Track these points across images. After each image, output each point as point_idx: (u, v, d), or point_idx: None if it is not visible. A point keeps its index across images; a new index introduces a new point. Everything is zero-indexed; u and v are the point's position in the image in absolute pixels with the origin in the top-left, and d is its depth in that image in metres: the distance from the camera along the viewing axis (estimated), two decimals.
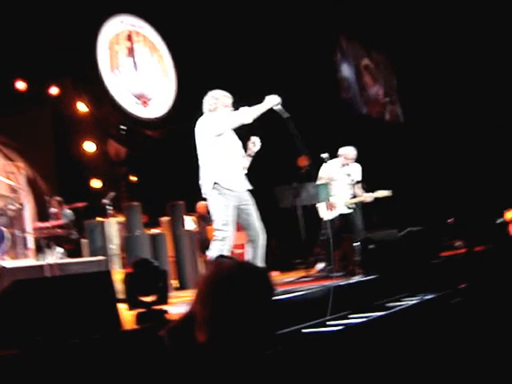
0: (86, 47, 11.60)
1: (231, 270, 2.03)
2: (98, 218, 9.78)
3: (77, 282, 4.51)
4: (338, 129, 12.54)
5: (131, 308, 5.17)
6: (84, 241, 9.95)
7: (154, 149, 11.92)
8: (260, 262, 6.46)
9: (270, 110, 6.56)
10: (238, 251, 9.02)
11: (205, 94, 6.71)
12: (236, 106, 6.61)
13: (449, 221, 10.76)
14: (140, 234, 9.16)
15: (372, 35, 14.82)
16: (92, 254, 9.55)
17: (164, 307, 4.71)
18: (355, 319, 5.50)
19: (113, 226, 9.54)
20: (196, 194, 8.50)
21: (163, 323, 4.39)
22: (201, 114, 6.67)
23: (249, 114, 6.44)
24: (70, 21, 10.88)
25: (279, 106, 6.57)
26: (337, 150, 9.06)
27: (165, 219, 10.23)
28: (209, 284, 2.04)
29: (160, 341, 2.17)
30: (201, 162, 6.56)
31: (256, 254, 6.50)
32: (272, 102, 6.56)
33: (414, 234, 8.09)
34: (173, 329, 2.22)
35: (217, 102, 6.56)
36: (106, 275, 4.76)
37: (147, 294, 4.77)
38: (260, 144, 6.66)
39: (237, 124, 6.46)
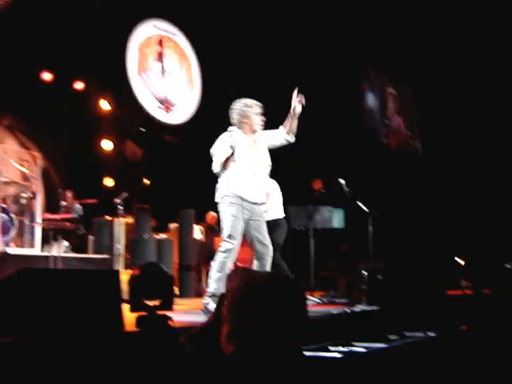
0: (116, 46, 11.63)
1: (263, 280, 1.98)
2: (107, 217, 9.78)
3: (83, 278, 4.48)
4: (358, 156, 12.51)
5: (133, 310, 5.14)
6: (90, 237, 9.96)
7: (171, 154, 11.91)
8: None
9: None
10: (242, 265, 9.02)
11: (226, 106, 6.72)
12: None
13: (458, 259, 10.67)
14: (148, 238, 9.15)
15: (398, 69, 14.84)
16: (97, 252, 9.55)
17: (168, 313, 4.66)
18: (356, 347, 5.45)
19: (121, 227, 9.53)
20: (207, 204, 8.52)
21: (165, 329, 4.36)
22: (222, 124, 6.70)
23: (217, 167, 6.46)
24: (104, 19, 10.93)
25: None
26: (355, 176, 9.03)
27: (173, 225, 10.24)
28: (240, 295, 1.98)
29: (180, 348, 2.12)
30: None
31: (263, 270, 6.48)
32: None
33: (422, 269, 8.05)
34: (195, 337, 2.17)
35: (250, 109, 6.57)
36: (115, 274, 4.72)
37: (152, 298, 4.73)
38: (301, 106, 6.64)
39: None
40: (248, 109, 6.59)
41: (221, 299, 2.14)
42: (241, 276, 2.00)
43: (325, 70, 12.80)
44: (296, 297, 2.00)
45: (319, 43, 12.89)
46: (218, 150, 6.46)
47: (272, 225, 7.80)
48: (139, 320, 4.58)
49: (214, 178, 6.75)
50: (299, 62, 12.65)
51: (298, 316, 1.97)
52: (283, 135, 6.72)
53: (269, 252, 6.51)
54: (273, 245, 6.60)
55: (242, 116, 6.60)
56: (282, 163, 6.82)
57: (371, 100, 15.57)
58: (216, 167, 6.43)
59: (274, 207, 8.30)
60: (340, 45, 12.95)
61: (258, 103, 6.66)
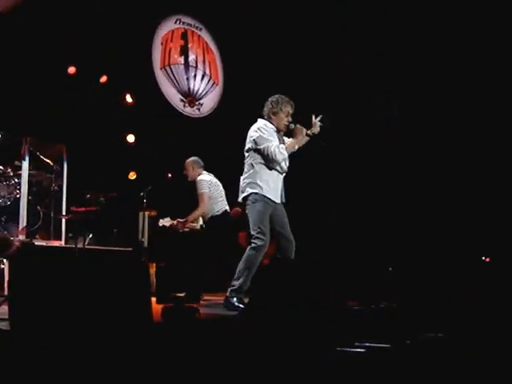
0: (140, 40, 11.68)
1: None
2: (132, 210, 9.83)
3: (112, 268, 4.51)
4: None
5: (160, 302, 5.19)
6: (115, 230, 10.03)
7: (194, 148, 11.94)
8: None
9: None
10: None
11: (249, 101, 6.77)
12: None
13: (485, 258, 10.61)
14: (172, 231, 9.19)
15: None
16: (121, 244, 9.62)
17: (195, 305, 4.71)
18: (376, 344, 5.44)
19: (145, 220, 9.58)
20: (228, 198, 8.55)
21: (192, 321, 4.40)
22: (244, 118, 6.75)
23: (285, 153, 6.49)
24: (128, 13, 10.99)
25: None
26: None
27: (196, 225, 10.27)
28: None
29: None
30: (246, 166, 6.63)
31: None
32: (302, 133, 6.61)
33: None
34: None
35: (281, 107, 6.61)
36: (143, 265, 4.76)
37: (179, 291, 4.79)
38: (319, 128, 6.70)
39: (271, 157, 6.48)
40: (279, 106, 6.64)
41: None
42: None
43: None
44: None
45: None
46: (269, 137, 6.53)
47: None
48: (165, 311, 4.63)
49: (236, 172, 6.81)
50: (324, 56, 12.61)
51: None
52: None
53: (292, 247, 6.57)
54: None
55: (272, 111, 6.65)
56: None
57: None
58: (283, 153, 6.47)
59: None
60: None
61: (291, 102, 6.70)
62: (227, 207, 8.24)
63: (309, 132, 6.66)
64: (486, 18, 11.29)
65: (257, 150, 6.53)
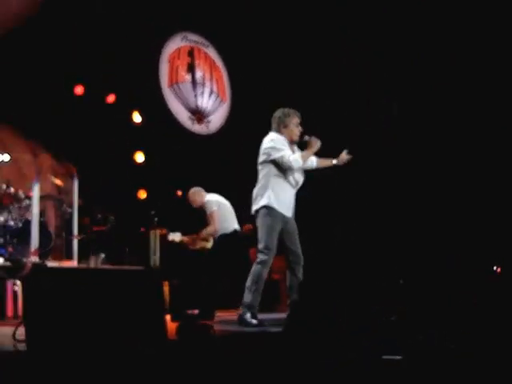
0: (147, 58, 11.75)
1: None
2: (142, 229, 9.86)
3: (124, 287, 4.52)
4: None
5: (174, 319, 5.19)
6: (126, 249, 10.04)
7: (203, 165, 11.96)
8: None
9: None
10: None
11: (257, 117, 6.83)
12: None
13: (496, 268, 10.56)
14: (184, 249, 9.20)
15: None
16: (133, 263, 9.62)
17: (209, 322, 4.71)
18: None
19: (156, 238, 9.60)
20: (238, 215, 8.59)
21: (207, 338, 4.40)
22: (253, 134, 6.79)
23: (301, 161, 6.54)
24: (134, 32, 11.05)
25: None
26: None
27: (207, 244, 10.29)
28: None
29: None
30: (259, 179, 6.67)
31: (296, 280, 6.56)
32: (316, 146, 6.65)
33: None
34: None
35: (289, 119, 6.66)
36: (157, 283, 4.76)
37: (192, 308, 4.79)
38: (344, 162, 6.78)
39: (287, 165, 6.53)
40: (286, 118, 6.70)
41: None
42: None
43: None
44: None
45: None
46: (283, 147, 6.57)
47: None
48: (180, 328, 4.63)
49: (245, 189, 6.83)
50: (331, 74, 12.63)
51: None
52: (312, 164, 6.87)
53: (301, 262, 6.61)
54: None
55: (281, 125, 6.70)
56: None
57: None
58: (299, 161, 6.51)
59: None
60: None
61: (297, 113, 6.75)
62: (237, 226, 8.28)
63: (334, 162, 6.79)
64: (486, 18, 11.30)
65: (272, 161, 6.56)
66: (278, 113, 6.77)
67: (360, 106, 12.20)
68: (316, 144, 6.62)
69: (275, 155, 6.52)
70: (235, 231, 8.23)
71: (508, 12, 10.98)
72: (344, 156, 6.84)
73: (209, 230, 8.18)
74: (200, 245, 8.48)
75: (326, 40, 12.57)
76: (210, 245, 8.59)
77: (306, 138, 6.69)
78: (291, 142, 6.75)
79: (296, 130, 6.71)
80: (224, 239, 8.24)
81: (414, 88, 11.90)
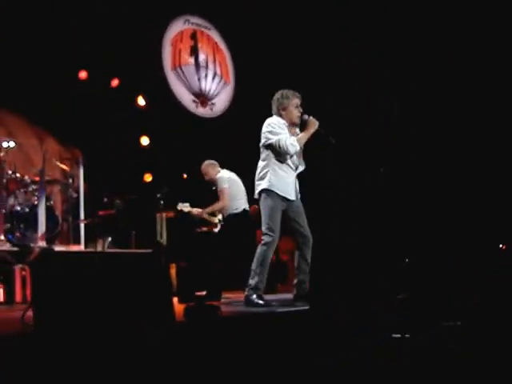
0: (150, 42, 11.74)
1: None
2: (149, 212, 9.89)
3: (131, 270, 4.54)
4: None
5: (182, 301, 5.21)
6: (133, 232, 10.08)
7: (208, 148, 11.97)
8: (307, 269, 6.55)
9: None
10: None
11: (261, 99, 6.82)
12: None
13: (502, 246, 10.55)
14: (190, 231, 9.23)
15: None
16: (140, 246, 9.68)
17: (216, 304, 4.74)
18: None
19: (163, 221, 9.64)
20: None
21: (214, 319, 4.43)
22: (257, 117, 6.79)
23: (297, 145, 6.53)
24: (137, 16, 11.05)
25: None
26: None
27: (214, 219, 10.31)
28: None
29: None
30: (260, 162, 6.68)
31: (304, 261, 6.58)
32: (314, 126, 6.63)
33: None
34: None
35: (288, 101, 6.65)
36: (163, 266, 4.79)
37: (199, 290, 4.81)
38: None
39: (283, 150, 6.52)
40: (285, 101, 6.69)
41: None
42: None
43: None
44: None
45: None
46: (281, 131, 6.57)
47: None
48: (187, 310, 4.66)
49: (251, 171, 6.85)
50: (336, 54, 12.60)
51: None
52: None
53: (309, 243, 6.61)
54: None
55: (280, 108, 6.69)
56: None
57: None
58: (295, 145, 6.50)
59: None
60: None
61: (297, 94, 6.74)
62: (247, 206, 8.27)
63: (322, 130, 6.73)
64: (486, 18, 11.26)
65: (269, 145, 6.57)
66: (277, 95, 6.76)
67: (360, 105, 12.19)
68: (314, 124, 6.61)
69: (272, 139, 6.53)
70: (244, 211, 8.23)
71: (507, 12, 10.96)
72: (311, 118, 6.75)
73: (216, 206, 8.20)
74: (207, 218, 8.50)
75: (324, 40, 12.57)
76: (216, 220, 8.59)
77: (305, 117, 6.67)
78: (292, 125, 6.75)
79: (296, 112, 6.69)
80: (232, 220, 8.24)
81: (413, 88, 11.88)
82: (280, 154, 6.56)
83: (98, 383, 3.49)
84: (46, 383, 3.37)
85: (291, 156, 6.59)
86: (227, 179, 8.21)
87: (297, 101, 6.70)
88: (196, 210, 8.23)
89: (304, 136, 6.62)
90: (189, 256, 8.40)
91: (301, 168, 6.85)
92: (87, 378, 3.48)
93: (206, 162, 8.60)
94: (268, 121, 6.68)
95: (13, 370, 3.33)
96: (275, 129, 6.57)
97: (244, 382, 3.67)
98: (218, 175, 8.28)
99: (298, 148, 6.54)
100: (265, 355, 4.02)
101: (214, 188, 8.36)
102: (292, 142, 6.48)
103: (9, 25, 9.36)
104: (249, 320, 5.23)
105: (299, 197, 6.78)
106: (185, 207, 8.32)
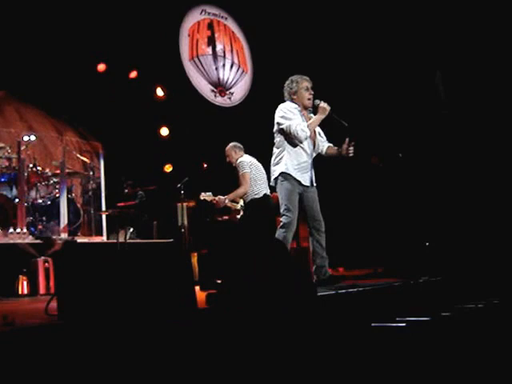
0: (167, 33, 11.77)
1: None
2: (170, 202, 9.93)
3: (153, 260, 4.58)
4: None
5: (203, 289, 5.23)
6: (155, 222, 10.13)
7: (227, 138, 11.98)
8: (324, 253, 6.57)
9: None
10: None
11: (279, 87, 6.84)
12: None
13: None
14: (210, 220, 9.26)
15: None
16: (162, 236, 9.73)
17: None
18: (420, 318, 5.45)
19: (184, 211, 9.67)
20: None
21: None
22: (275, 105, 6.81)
23: (308, 130, 6.54)
24: (153, 7, 11.07)
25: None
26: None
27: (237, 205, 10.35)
28: None
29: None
30: (274, 149, 6.71)
31: (319, 245, 6.60)
32: (326, 111, 6.63)
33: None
34: None
35: (297, 85, 6.68)
36: (185, 255, 4.82)
37: (220, 277, 4.83)
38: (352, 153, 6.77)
39: (294, 135, 6.53)
40: (294, 84, 6.73)
41: None
42: None
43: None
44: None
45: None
46: (292, 116, 6.59)
47: None
48: (209, 297, 4.69)
49: (270, 160, 6.86)
50: (348, 40, 12.54)
51: None
52: (323, 149, 6.89)
53: (322, 228, 6.63)
54: None
55: (291, 93, 6.73)
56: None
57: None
58: (305, 130, 6.52)
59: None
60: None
61: (306, 77, 6.78)
62: (268, 191, 8.25)
63: (334, 115, 6.76)
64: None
65: (281, 130, 6.61)
66: (287, 82, 6.83)
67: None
68: (325, 110, 6.61)
69: (283, 125, 6.57)
70: (265, 196, 8.21)
71: None
72: (345, 146, 6.79)
73: (239, 191, 8.18)
74: (230, 205, 8.51)
75: (341, 26, 12.54)
76: (239, 206, 8.60)
77: (317, 101, 6.69)
78: (305, 108, 6.77)
79: (306, 94, 6.72)
80: (253, 206, 8.22)
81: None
82: (292, 139, 6.59)
83: (121, 372, 3.53)
84: (70, 373, 3.40)
85: (301, 141, 6.60)
86: (249, 163, 8.20)
87: (306, 84, 6.73)
88: (219, 198, 8.23)
89: (315, 121, 6.64)
90: (210, 244, 8.44)
91: (314, 152, 6.87)
92: (110, 367, 3.51)
93: (232, 144, 8.58)
94: (280, 106, 6.72)
95: (37, 360, 3.37)
96: (286, 113, 6.60)
97: (265, 365, 3.70)
98: (240, 159, 8.27)
99: (309, 133, 6.56)
100: (287, 341, 4.04)
101: (235, 173, 8.35)
102: (302, 127, 6.50)
103: (27, 19, 9.41)
104: None
105: (314, 183, 6.79)
106: (207, 196, 8.34)
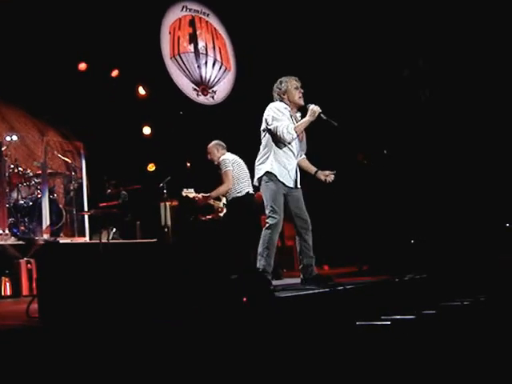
0: (148, 31, 11.70)
1: None
2: (153, 202, 9.88)
3: (137, 260, 4.54)
4: None
5: None
6: (138, 222, 10.08)
7: (210, 136, 11.94)
8: (311, 252, 6.54)
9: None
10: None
11: (262, 85, 6.82)
12: None
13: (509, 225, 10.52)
14: (193, 220, 9.22)
15: None
16: (145, 236, 9.68)
17: None
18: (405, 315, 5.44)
19: (167, 210, 9.63)
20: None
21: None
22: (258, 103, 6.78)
23: (294, 134, 6.50)
24: (134, 4, 11.01)
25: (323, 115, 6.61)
26: None
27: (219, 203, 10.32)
28: None
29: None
30: (261, 147, 6.67)
31: (306, 244, 6.57)
32: (315, 114, 6.58)
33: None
34: None
35: (286, 84, 6.65)
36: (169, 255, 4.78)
37: None
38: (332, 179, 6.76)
39: (280, 137, 6.50)
40: (283, 84, 6.70)
41: None
42: None
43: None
44: None
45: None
46: (281, 117, 6.54)
47: None
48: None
49: (253, 158, 6.82)
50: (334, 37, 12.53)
51: None
52: (300, 159, 6.89)
53: (308, 226, 6.60)
54: None
55: (281, 93, 6.69)
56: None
57: None
58: (291, 133, 6.47)
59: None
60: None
61: (294, 77, 6.74)
62: (250, 189, 8.21)
63: (315, 171, 6.77)
64: None
65: (269, 130, 6.56)
66: (276, 84, 6.78)
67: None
68: (314, 112, 6.57)
69: (271, 125, 6.52)
70: (248, 194, 8.17)
71: None
72: (327, 173, 6.78)
73: (221, 189, 8.14)
74: (212, 203, 8.48)
75: (325, 23, 12.54)
76: (221, 204, 8.56)
77: (309, 105, 6.65)
78: (297, 107, 6.73)
79: (296, 92, 6.69)
80: (235, 204, 8.19)
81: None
82: (278, 140, 6.55)
83: (102, 374, 3.48)
84: (51, 375, 3.35)
85: (289, 143, 6.57)
86: (231, 161, 8.15)
87: (295, 83, 6.70)
88: (201, 195, 8.19)
89: (303, 124, 6.59)
90: (194, 243, 8.39)
91: (302, 154, 6.84)
92: (92, 369, 3.47)
93: (214, 142, 8.53)
94: (270, 105, 6.67)
95: (17, 363, 3.32)
96: (276, 114, 6.55)
97: (262, 359, 3.68)
98: (222, 157, 8.22)
99: (295, 136, 6.52)
100: (275, 339, 4.01)
101: (218, 171, 8.31)
102: (289, 130, 6.45)
103: (8, 18, 9.34)
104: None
105: (299, 186, 6.75)
106: (189, 193, 8.29)
